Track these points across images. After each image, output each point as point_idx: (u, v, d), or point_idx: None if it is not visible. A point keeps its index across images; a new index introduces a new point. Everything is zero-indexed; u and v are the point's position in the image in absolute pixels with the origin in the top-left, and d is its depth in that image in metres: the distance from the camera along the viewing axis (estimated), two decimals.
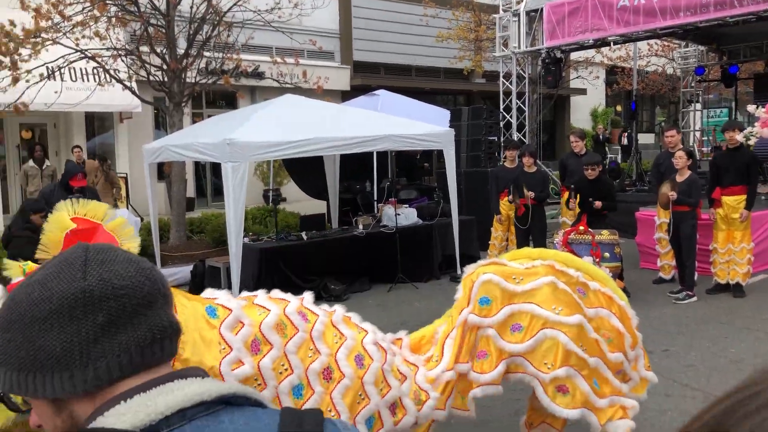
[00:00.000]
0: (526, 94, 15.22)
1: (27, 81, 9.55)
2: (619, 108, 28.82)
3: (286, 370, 2.86)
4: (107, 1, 9.87)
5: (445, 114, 12.33)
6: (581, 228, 7.75)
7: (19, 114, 10.17)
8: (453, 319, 3.55)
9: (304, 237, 8.95)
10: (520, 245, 8.92)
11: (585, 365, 3.42)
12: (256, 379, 2.76)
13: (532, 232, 8.81)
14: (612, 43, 14.36)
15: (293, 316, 3.03)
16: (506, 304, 3.46)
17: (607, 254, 7.67)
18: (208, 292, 3.07)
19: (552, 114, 24.32)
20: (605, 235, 7.75)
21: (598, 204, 7.73)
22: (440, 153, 10.37)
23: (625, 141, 21.11)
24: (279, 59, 11.95)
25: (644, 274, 9.22)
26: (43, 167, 12.38)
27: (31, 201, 8.33)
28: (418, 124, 9.14)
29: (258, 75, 14.95)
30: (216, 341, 2.76)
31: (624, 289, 8.12)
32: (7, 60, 9.36)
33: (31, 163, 12.46)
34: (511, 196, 8.77)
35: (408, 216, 9.47)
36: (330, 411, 2.87)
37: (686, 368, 5.73)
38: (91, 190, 7.15)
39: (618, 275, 7.95)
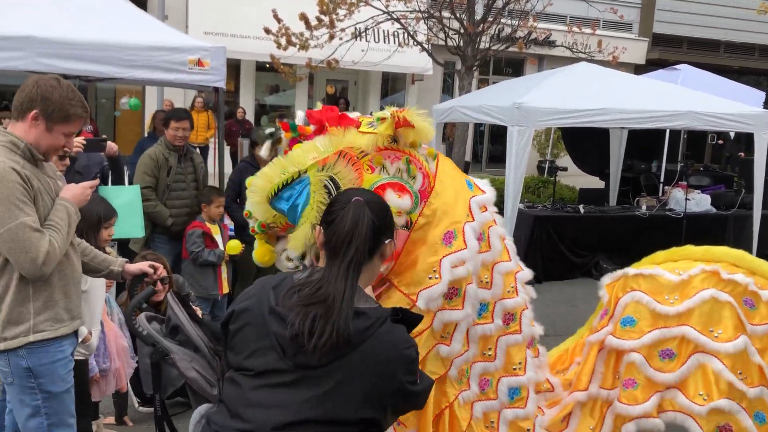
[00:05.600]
0: None
1: (340, 39, 10.54)
2: None
3: (488, 283, 2.76)
4: None
5: (759, 95, 10.95)
6: None
7: (331, 69, 11.27)
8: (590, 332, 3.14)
9: (581, 210, 8.69)
10: None
11: (743, 397, 2.85)
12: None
13: None
14: None
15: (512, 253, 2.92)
16: (656, 328, 2.95)
17: None
18: None
19: None
20: None
21: None
22: (741, 139, 9.25)
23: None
24: (576, 28, 11.60)
25: None
26: None
27: None
28: (726, 102, 8.23)
29: (549, 43, 14.70)
30: (466, 208, 2.68)
31: None
32: (326, 19, 10.39)
33: None
34: None
35: (700, 202, 8.67)
36: (490, 349, 2.75)
37: None
38: None
39: None
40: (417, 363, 1.72)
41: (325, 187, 2.36)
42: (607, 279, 3.24)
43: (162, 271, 2.94)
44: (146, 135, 8.58)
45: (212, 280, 5.15)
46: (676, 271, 3.10)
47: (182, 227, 5.15)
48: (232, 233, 5.49)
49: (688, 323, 2.93)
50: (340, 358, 1.61)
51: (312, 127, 2.59)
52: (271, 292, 1.73)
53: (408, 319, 1.77)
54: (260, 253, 2.70)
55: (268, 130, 2.76)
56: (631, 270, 3.20)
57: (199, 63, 5.83)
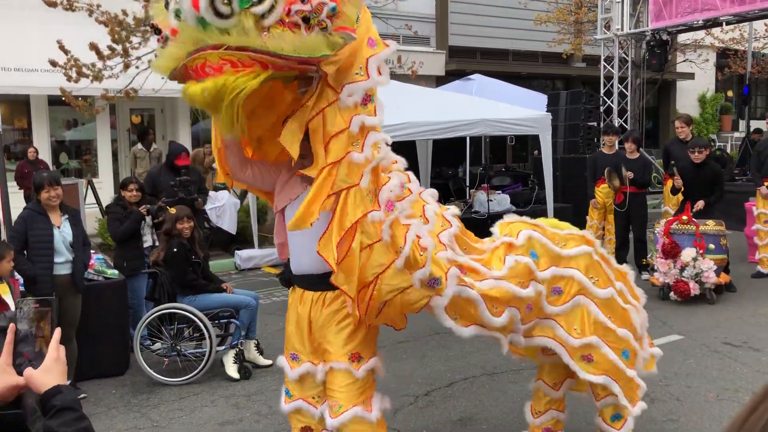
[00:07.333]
0: (629, 78, 14.61)
1: (137, 68, 10.05)
2: (730, 93, 27.16)
3: None
4: None
5: (542, 99, 12.03)
6: (684, 218, 7.38)
7: (130, 99, 10.71)
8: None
9: None
10: (618, 234, 8.61)
11: (613, 335, 3.52)
12: None
13: (632, 220, 8.47)
14: (724, 24, 13.50)
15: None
16: (552, 265, 3.47)
17: (712, 246, 7.28)
18: None
19: (656, 100, 23.20)
20: (711, 225, 7.35)
21: (700, 205, 7.31)
22: (536, 139, 10.12)
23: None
24: None
25: (753, 268, 8.69)
26: (151, 150, 13.01)
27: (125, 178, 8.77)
28: (514, 109, 8.97)
29: None
30: None
31: (730, 284, 7.71)
32: (119, 48, 9.87)
33: (139, 146, 13.12)
34: (609, 182, 8.48)
35: (500, 202, 9.33)
36: None
37: None
38: (195, 170, 7.48)
39: (723, 268, 7.53)
40: None
41: None
42: (499, 222, 3.72)
43: None
44: None
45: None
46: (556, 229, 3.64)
47: None
48: (23, 289, 5.00)
49: (574, 267, 3.46)
50: None
51: None
52: None
53: (7, 421, 1.29)
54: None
55: None
56: (524, 218, 3.69)
57: None
